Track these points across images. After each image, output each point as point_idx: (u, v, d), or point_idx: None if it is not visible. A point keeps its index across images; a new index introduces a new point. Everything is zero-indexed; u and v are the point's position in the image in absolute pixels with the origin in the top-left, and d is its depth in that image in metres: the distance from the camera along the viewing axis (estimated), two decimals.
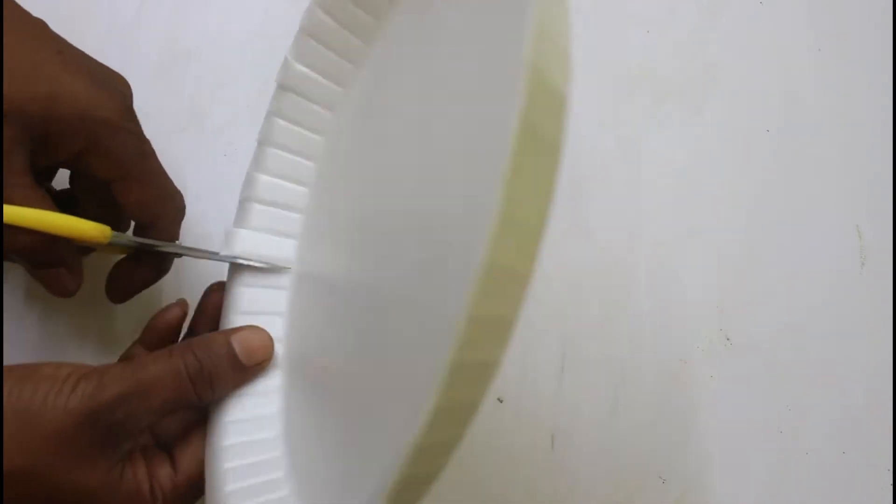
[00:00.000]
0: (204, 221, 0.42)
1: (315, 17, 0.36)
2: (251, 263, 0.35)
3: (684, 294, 0.42)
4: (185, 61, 0.45)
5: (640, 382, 0.40)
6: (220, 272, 0.37)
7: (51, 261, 0.33)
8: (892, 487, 0.39)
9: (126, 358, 0.34)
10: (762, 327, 0.42)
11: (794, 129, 0.45)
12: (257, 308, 0.35)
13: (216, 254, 0.35)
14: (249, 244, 0.36)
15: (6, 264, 0.39)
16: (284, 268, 0.36)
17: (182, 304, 0.35)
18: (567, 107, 0.20)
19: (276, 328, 0.35)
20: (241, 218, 0.36)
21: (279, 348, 0.34)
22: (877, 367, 0.41)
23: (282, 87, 0.37)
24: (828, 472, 0.40)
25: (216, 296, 0.36)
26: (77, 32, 0.44)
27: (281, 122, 0.37)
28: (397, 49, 0.34)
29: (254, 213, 0.36)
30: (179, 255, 0.36)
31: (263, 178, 0.37)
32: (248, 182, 0.37)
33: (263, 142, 0.37)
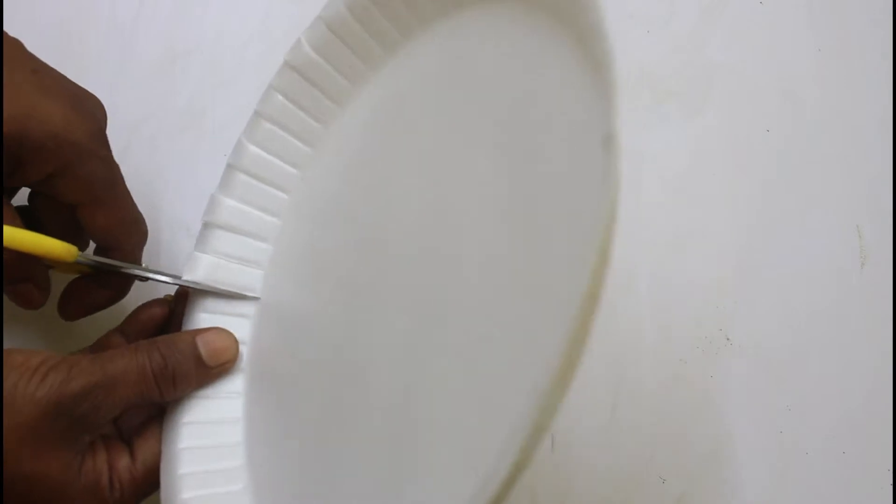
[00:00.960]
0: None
1: (301, 51, 0.36)
2: (214, 290, 0.35)
3: (684, 294, 0.42)
4: (185, 61, 0.45)
5: (640, 382, 0.40)
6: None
7: (20, 277, 0.33)
8: (892, 487, 0.39)
9: (102, 345, 0.34)
10: (762, 327, 0.42)
11: (794, 129, 0.45)
12: None
13: (178, 278, 0.35)
14: (213, 270, 0.36)
15: None
16: (251, 297, 0.36)
17: (168, 299, 0.36)
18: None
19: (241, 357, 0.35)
20: (204, 242, 0.36)
21: (244, 359, 0.35)
22: (877, 367, 0.41)
23: (258, 115, 0.36)
24: (828, 472, 0.40)
25: (156, 310, 0.36)
26: (77, 32, 0.44)
27: (254, 148, 0.37)
28: (386, 92, 0.35)
29: (218, 238, 0.36)
30: (143, 279, 0.36)
31: (230, 203, 0.36)
32: (214, 205, 0.37)
33: (234, 165, 0.37)
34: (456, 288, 0.28)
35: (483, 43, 0.30)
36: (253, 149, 0.36)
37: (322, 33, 0.35)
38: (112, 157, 0.35)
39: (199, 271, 0.36)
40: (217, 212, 0.36)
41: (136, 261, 0.37)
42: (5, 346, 0.39)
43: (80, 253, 0.33)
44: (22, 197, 0.36)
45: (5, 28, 0.34)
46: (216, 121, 0.44)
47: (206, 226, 0.36)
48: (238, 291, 0.36)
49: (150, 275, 0.35)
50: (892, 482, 0.39)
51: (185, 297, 0.36)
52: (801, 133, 0.45)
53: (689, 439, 0.40)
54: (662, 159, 0.44)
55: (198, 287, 0.35)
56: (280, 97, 0.36)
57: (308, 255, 0.35)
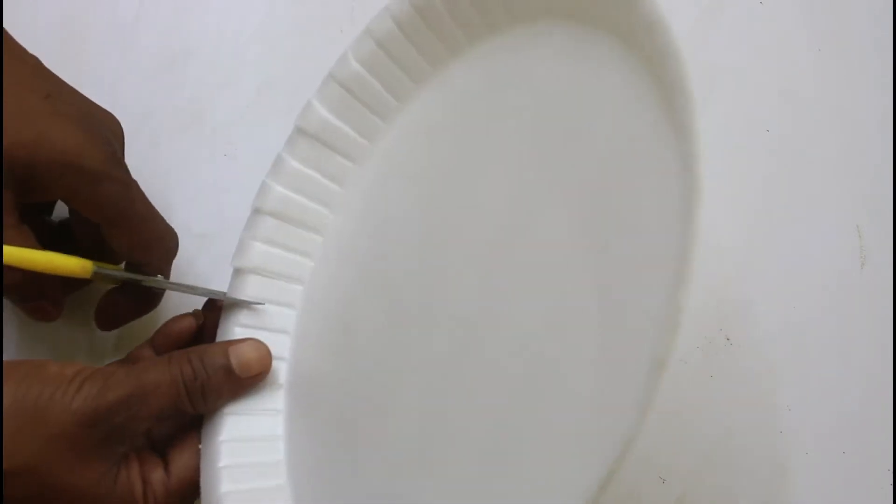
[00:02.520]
0: (203, 221, 0.42)
1: (347, 66, 0.35)
2: (248, 303, 0.35)
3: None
4: (185, 61, 0.45)
5: None
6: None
7: (33, 295, 0.33)
8: (892, 487, 0.39)
9: (132, 358, 0.35)
10: (762, 327, 0.42)
11: (794, 129, 0.45)
12: None
13: (196, 288, 0.36)
14: (251, 285, 0.36)
15: None
16: (284, 306, 0.36)
17: (197, 314, 0.36)
18: None
19: (278, 374, 0.35)
20: (243, 255, 0.36)
21: (282, 377, 0.34)
22: (877, 367, 0.41)
23: (299, 130, 0.36)
24: (828, 472, 0.40)
25: (184, 323, 0.36)
26: (77, 32, 0.44)
27: (295, 163, 0.36)
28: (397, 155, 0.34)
29: (258, 252, 0.36)
30: (173, 290, 0.36)
31: (270, 219, 0.36)
32: (254, 218, 0.36)
33: (272, 180, 0.36)
34: (509, 325, 0.28)
35: (535, 64, 0.30)
36: (294, 164, 0.36)
37: (369, 48, 0.35)
38: (129, 177, 0.35)
39: (243, 287, 0.35)
40: (258, 226, 0.36)
41: (165, 274, 0.37)
42: (34, 356, 0.39)
43: (98, 266, 0.33)
44: (63, 209, 0.37)
45: (6, 28, 0.34)
46: (216, 121, 0.44)
47: (244, 240, 0.36)
48: (262, 302, 0.35)
49: (173, 287, 0.36)
50: (892, 482, 0.39)
51: (216, 309, 0.36)
52: (801, 133, 0.45)
53: (690, 439, 0.40)
54: None
55: (226, 299, 0.35)
56: (323, 111, 0.36)
57: (351, 272, 0.35)
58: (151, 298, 0.37)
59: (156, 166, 0.42)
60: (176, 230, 0.37)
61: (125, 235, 0.34)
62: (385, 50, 0.34)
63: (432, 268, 0.32)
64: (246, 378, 0.33)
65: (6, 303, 0.39)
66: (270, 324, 0.35)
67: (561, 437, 0.25)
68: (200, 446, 0.32)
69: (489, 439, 0.27)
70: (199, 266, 0.41)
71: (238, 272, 0.36)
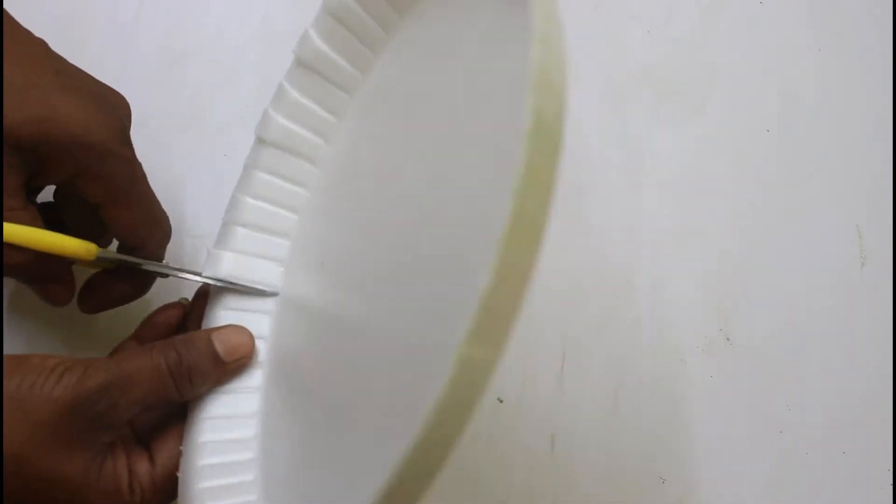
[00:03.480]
0: (203, 221, 0.42)
1: (311, 44, 0.36)
2: (236, 286, 0.35)
3: (684, 294, 0.42)
4: (185, 61, 0.45)
5: (640, 382, 0.40)
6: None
7: (44, 276, 0.33)
8: (892, 487, 0.39)
9: (117, 352, 0.34)
10: (762, 327, 0.42)
11: (794, 129, 0.45)
12: None
13: (199, 274, 0.36)
14: (234, 266, 0.36)
15: None
16: (271, 293, 0.36)
17: (183, 303, 0.36)
18: (567, 103, 0.21)
19: (259, 352, 0.35)
20: (224, 240, 0.36)
21: (262, 354, 0.35)
22: (877, 367, 0.41)
23: (272, 111, 0.36)
24: (828, 472, 0.40)
25: (171, 312, 0.36)
26: (77, 33, 0.44)
27: (273, 149, 0.37)
28: (387, 81, 0.35)
29: (238, 235, 0.36)
30: (164, 276, 0.36)
31: (249, 202, 0.37)
32: (234, 204, 0.37)
33: (251, 165, 0.37)
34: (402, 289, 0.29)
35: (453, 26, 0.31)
36: (269, 149, 0.37)
37: (328, 24, 0.35)
38: (134, 156, 0.35)
39: (219, 268, 0.36)
40: (237, 209, 0.36)
41: (159, 258, 0.37)
42: (24, 351, 0.39)
43: (101, 249, 0.34)
44: (47, 194, 0.37)
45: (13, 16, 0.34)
46: (216, 121, 0.44)
47: (226, 224, 0.37)
48: (258, 287, 0.36)
49: (171, 272, 0.36)
50: (892, 482, 0.39)
51: (205, 295, 0.36)
52: (801, 133, 0.45)
53: (689, 439, 0.40)
54: (663, 159, 0.44)
55: (218, 284, 0.35)
56: (294, 93, 0.36)
57: (325, 250, 0.35)
58: (142, 285, 0.37)
59: (156, 166, 0.42)
60: (175, 230, 0.37)
61: (126, 215, 0.34)
62: (343, 24, 0.35)
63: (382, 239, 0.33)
64: (231, 362, 0.33)
65: (20, 293, 0.39)
66: (256, 307, 0.36)
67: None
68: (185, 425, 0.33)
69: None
70: (198, 266, 0.41)
71: (215, 255, 0.36)
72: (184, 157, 0.42)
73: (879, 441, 0.40)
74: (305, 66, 0.36)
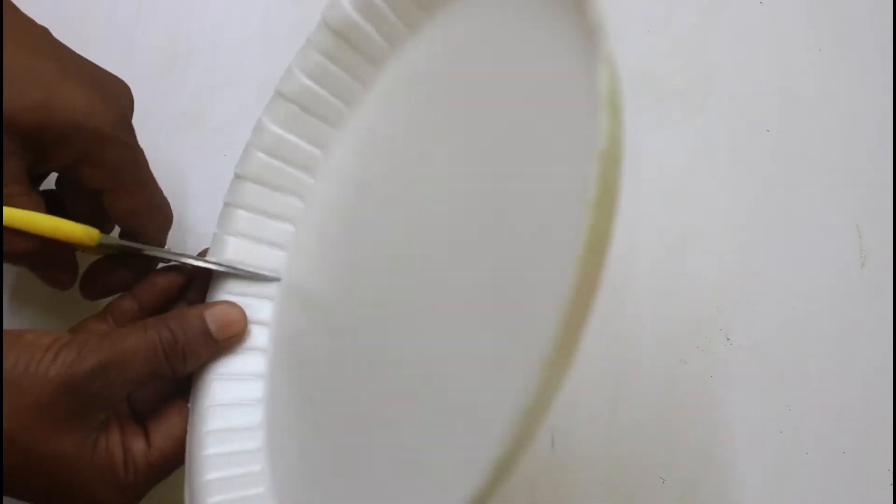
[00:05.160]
0: (203, 221, 0.42)
1: (323, 32, 0.35)
2: (238, 271, 0.35)
3: (684, 294, 0.42)
4: (185, 61, 0.45)
5: (640, 382, 0.40)
6: None
7: (48, 262, 0.34)
8: (892, 487, 0.39)
9: (113, 308, 0.35)
10: (762, 327, 0.42)
11: (794, 129, 0.45)
12: None
13: (202, 259, 0.36)
14: (236, 252, 0.36)
15: None
16: (273, 278, 0.36)
17: (184, 268, 0.36)
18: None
19: (261, 339, 0.35)
20: (226, 224, 0.36)
21: (266, 341, 0.35)
22: (877, 367, 0.41)
23: (279, 95, 0.36)
24: (828, 472, 0.40)
25: (173, 277, 0.36)
26: (77, 33, 0.44)
27: (275, 128, 0.36)
28: (409, 76, 0.34)
29: (240, 219, 0.36)
30: (167, 261, 0.36)
31: (252, 185, 0.36)
32: (236, 185, 0.36)
33: (253, 145, 0.37)
34: (448, 283, 0.28)
35: (480, 31, 0.31)
36: (275, 129, 0.36)
37: (343, 14, 0.35)
38: (136, 142, 0.35)
39: (222, 253, 0.36)
40: (239, 193, 0.36)
41: (161, 245, 0.37)
42: (22, 326, 0.39)
43: (103, 235, 0.34)
44: (49, 182, 0.37)
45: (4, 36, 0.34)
46: (216, 121, 0.44)
47: (228, 206, 0.36)
48: (260, 272, 0.36)
49: (173, 257, 0.35)
50: (892, 482, 0.39)
51: (205, 279, 0.36)
52: (801, 133, 0.45)
53: (689, 439, 0.40)
54: (663, 159, 0.44)
55: (221, 268, 0.35)
56: (303, 77, 0.36)
57: (330, 238, 0.35)
58: (144, 271, 0.37)
59: (156, 166, 0.42)
60: (175, 229, 0.37)
61: (128, 201, 0.34)
62: (361, 14, 0.34)
63: (396, 231, 0.32)
64: (223, 339, 0.33)
65: (24, 277, 0.39)
66: (260, 292, 0.36)
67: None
68: (189, 406, 0.33)
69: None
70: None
71: (219, 237, 0.36)
72: (184, 157, 0.42)
73: (879, 441, 0.40)
74: (334, 30, 0.35)
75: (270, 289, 0.36)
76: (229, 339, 0.34)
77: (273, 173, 0.36)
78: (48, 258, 0.33)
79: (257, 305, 0.35)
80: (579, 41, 0.24)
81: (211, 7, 0.46)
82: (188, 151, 0.43)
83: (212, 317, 0.33)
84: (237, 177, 0.36)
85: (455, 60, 0.32)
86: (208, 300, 0.36)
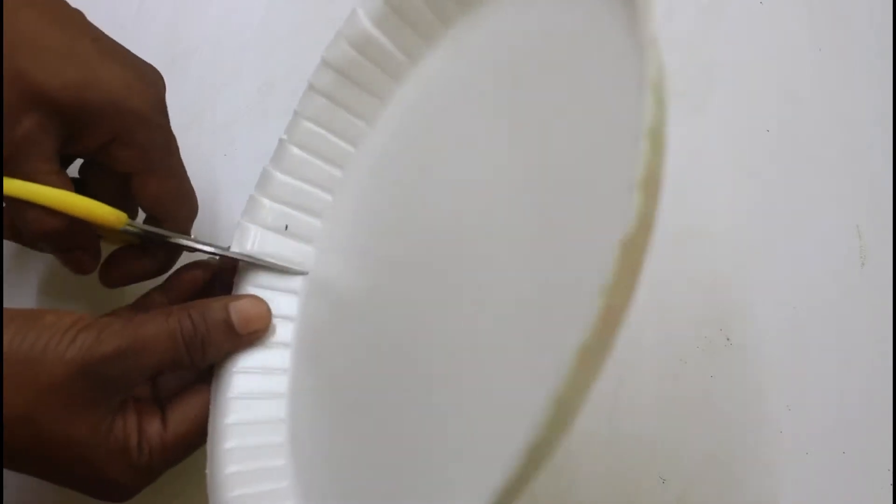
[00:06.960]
0: (203, 221, 0.42)
1: (357, 26, 0.35)
2: (264, 263, 0.35)
3: (684, 294, 0.42)
4: (184, 61, 0.45)
5: (640, 382, 0.40)
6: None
7: (72, 244, 0.33)
8: (892, 487, 0.39)
9: (142, 303, 0.35)
10: (762, 327, 0.42)
11: (794, 128, 0.45)
12: None
13: (227, 249, 0.35)
14: (262, 243, 0.36)
15: (27, 255, 0.40)
16: (300, 271, 0.36)
17: (210, 263, 0.36)
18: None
19: (286, 333, 0.35)
20: (252, 214, 0.36)
21: (288, 335, 0.34)
22: (877, 368, 0.41)
23: (313, 90, 0.36)
24: (828, 472, 0.40)
25: (199, 272, 0.36)
26: None
27: (307, 123, 0.36)
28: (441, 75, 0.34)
29: (267, 210, 0.36)
30: (191, 250, 0.36)
31: (280, 176, 0.36)
32: (265, 177, 0.36)
33: (289, 140, 0.36)
34: (487, 274, 0.28)
35: (521, 23, 0.30)
36: (306, 124, 0.36)
37: (380, 8, 0.35)
38: (170, 126, 0.35)
39: (247, 243, 0.35)
40: (270, 184, 0.36)
41: (186, 233, 0.37)
42: (48, 306, 0.39)
43: (130, 220, 0.33)
44: (73, 169, 0.36)
45: (40, 14, 0.34)
46: (216, 121, 0.44)
47: (254, 198, 0.36)
48: (287, 266, 0.35)
49: (199, 245, 0.35)
50: (892, 482, 0.39)
51: (231, 269, 0.36)
52: (802, 133, 0.45)
53: (689, 439, 0.40)
54: None
55: (246, 259, 0.35)
56: (332, 72, 0.36)
57: (359, 233, 0.35)
58: (166, 261, 0.37)
59: None
60: None
61: (157, 185, 0.34)
62: (395, 11, 0.35)
63: (428, 228, 0.32)
64: (245, 334, 0.33)
65: (41, 260, 0.39)
66: (286, 285, 0.35)
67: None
68: (210, 397, 0.33)
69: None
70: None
71: (244, 229, 0.36)
72: (184, 156, 0.42)
73: (879, 441, 0.40)
74: (355, 45, 0.35)
75: (296, 282, 0.36)
76: (252, 333, 0.33)
77: (304, 167, 0.36)
78: (74, 240, 0.33)
79: (282, 299, 0.35)
80: (623, 26, 0.23)
81: (211, 7, 0.46)
82: (188, 151, 0.43)
83: (236, 310, 0.33)
84: (269, 169, 0.36)
85: (494, 52, 0.32)
86: (234, 292, 0.35)
